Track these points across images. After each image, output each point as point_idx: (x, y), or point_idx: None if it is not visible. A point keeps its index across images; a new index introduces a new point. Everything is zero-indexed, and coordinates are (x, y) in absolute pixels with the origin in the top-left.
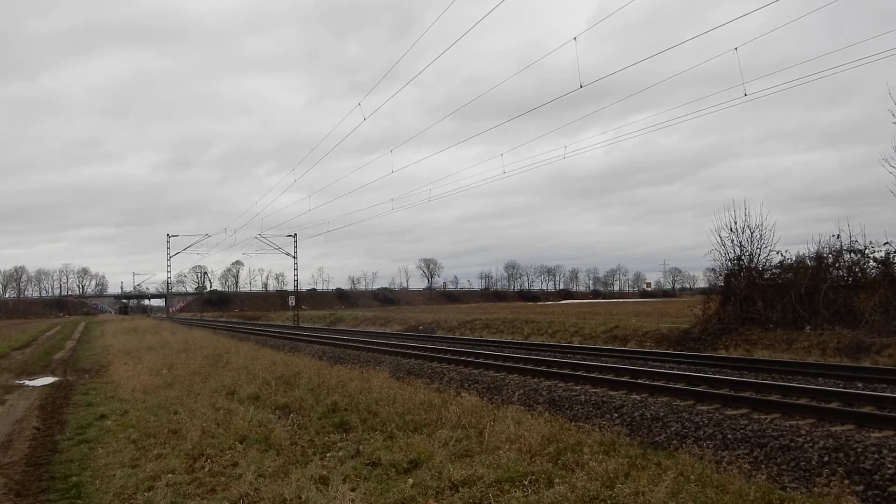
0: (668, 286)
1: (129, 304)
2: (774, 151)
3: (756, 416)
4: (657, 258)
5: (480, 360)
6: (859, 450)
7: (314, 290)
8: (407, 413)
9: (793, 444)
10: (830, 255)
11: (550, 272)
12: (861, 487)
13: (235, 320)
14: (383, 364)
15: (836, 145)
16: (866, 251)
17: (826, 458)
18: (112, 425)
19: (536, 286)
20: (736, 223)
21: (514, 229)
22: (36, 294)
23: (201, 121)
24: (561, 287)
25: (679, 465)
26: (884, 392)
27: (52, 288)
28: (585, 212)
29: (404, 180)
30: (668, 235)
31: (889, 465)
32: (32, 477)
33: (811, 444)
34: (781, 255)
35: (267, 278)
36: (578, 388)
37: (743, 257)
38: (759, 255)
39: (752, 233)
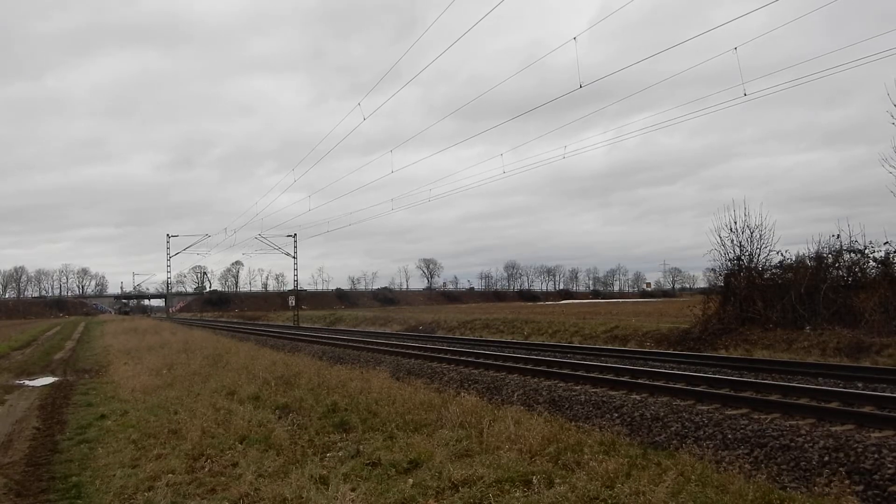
0: (668, 286)
1: (130, 304)
2: (775, 151)
3: (756, 416)
4: (657, 258)
5: (480, 360)
6: (859, 450)
7: (316, 290)
8: (407, 413)
9: (793, 443)
10: (830, 255)
11: (550, 272)
12: (861, 487)
13: (235, 320)
14: (383, 364)
15: (836, 145)
16: (866, 251)
17: (826, 458)
18: (112, 425)
19: (536, 286)
20: (736, 223)
21: (515, 229)
22: (36, 294)
23: (203, 121)
24: (561, 287)
25: (679, 465)
26: (884, 392)
27: (52, 288)
28: (586, 212)
29: (405, 180)
30: (668, 235)
31: (889, 465)
32: (32, 477)
33: (811, 444)
34: (781, 255)
35: (267, 278)
36: (578, 387)
37: (743, 257)
38: (758, 255)
39: (751, 233)
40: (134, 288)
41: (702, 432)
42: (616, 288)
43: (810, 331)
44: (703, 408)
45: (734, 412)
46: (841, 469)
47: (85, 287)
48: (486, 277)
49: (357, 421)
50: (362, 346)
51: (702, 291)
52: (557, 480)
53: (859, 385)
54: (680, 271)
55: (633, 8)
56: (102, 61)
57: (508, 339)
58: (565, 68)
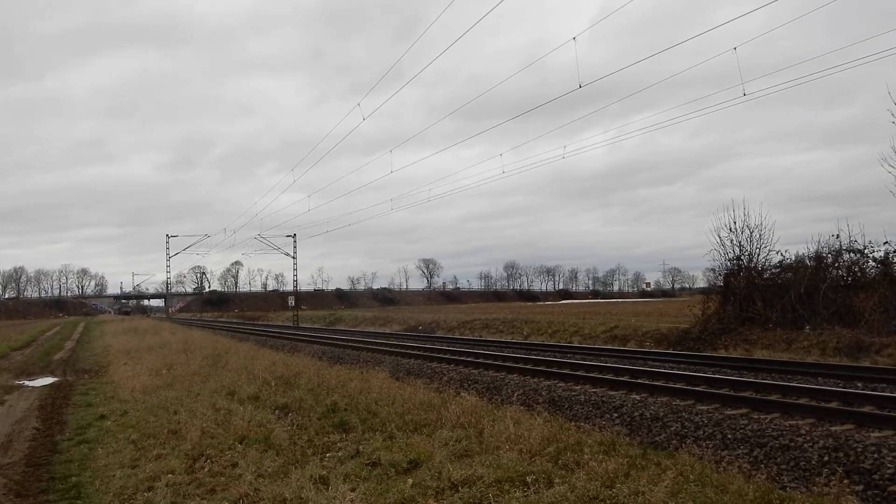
0: (668, 286)
1: (129, 304)
2: (775, 151)
3: (756, 416)
4: (657, 258)
5: (480, 360)
6: (859, 449)
7: (319, 290)
8: (406, 413)
9: (792, 443)
10: (830, 255)
11: (550, 272)
12: (861, 487)
13: (235, 320)
14: (383, 364)
15: (836, 145)
16: (865, 251)
17: (826, 458)
18: (112, 426)
19: (536, 286)
20: (735, 223)
21: (515, 229)
22: (35, 294)
23: (204, 121)
24: (560, 287)
25: (679, 464)
26: (883, 392)
27: (52, 288)
28: (586, 212)
29: (405, 180)
30: (668, 235)
31: (889, 465)
32: (32, 477)
33: (811, 444)
34: (781, 254)
35: (266, 278)
36: (578, 387)
37: (742, 257)
38: (758, 254)
39: (751, 233)
40: (133, 288)
41: (701, 432)
42: (616, 288)
43: (810, 331)
44: (703, 408)
45: (734, 412)
46: (840, 469)
47: (84, 287)
48: (486, 277)
49: (357, 421)
50: (362, 346)
51: (701, 291)
52: (557, 480)
53: (859, 385)
54: (679, 271)
55: (635, 8)
56: (103, 61)
57: (508, 339)
58: (566, 68)
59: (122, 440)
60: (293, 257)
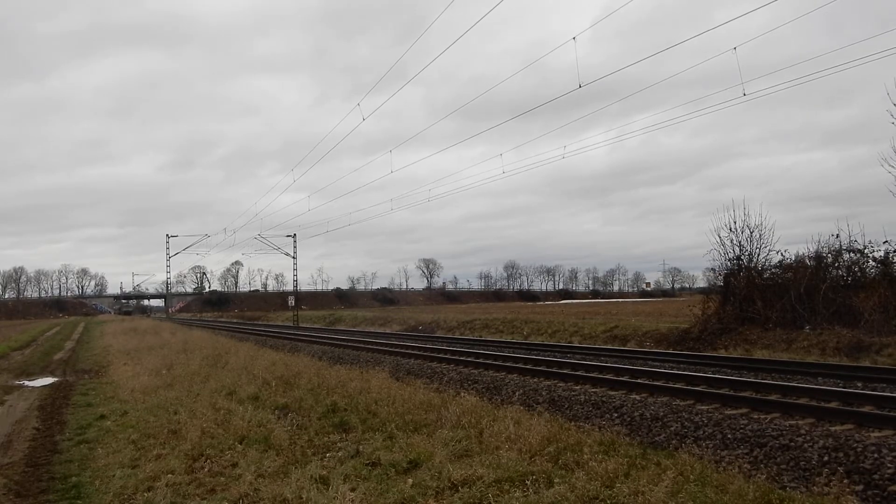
0: (668, 286)
1: (130, 304)
2: (775, 151)
3: (756, 416)
4: (657, 258)
5: (480, 360)
6: (859, 449)
7: (315, 290)
8: (407, 413)
9: (792, 443)
10: (830, 255)
11: (550, 272)
12: (861, 487)
13: (235, 320)
14: (383, 364)
15: (836, 145)
16: (865, 251)
17: (826, 458)
18: (112, 426)
19: (536, 286)
20: (735, 223)
21: (515, 229)
22: (35, 294)
23: (206, 122)
24: (560, 287)
25: (679, 464)
26: (883, 391)
27: (52, 288)
28: (586, 212)
29: (407, 180)
30: (668, 235)
31: (889, 465)
32: (32, 477)
33: (811, 444)
34: (781, 254)
35: (266, 278)
36: (578, 387)
37: (742, 257)
38: (758, 254)
39: (751, 232)
40: (134, 288)
41: (701, 432)
42: (616, 288)
43: (810, 330)
44: (703, 407)
45: (734, 412)
46: (840, 468)
47: (84, 287)
48: (486, 277)
49: (357, 421)
50: (362, 346)
51: (701, 291)
52: (557, 480)
53: (859, 385)
54: (679, 271)
55: (637, 8)
56: (105, 62)
57: (508, 339)
58: (568, 68)
59: (122, 440)
60: (293, 257)
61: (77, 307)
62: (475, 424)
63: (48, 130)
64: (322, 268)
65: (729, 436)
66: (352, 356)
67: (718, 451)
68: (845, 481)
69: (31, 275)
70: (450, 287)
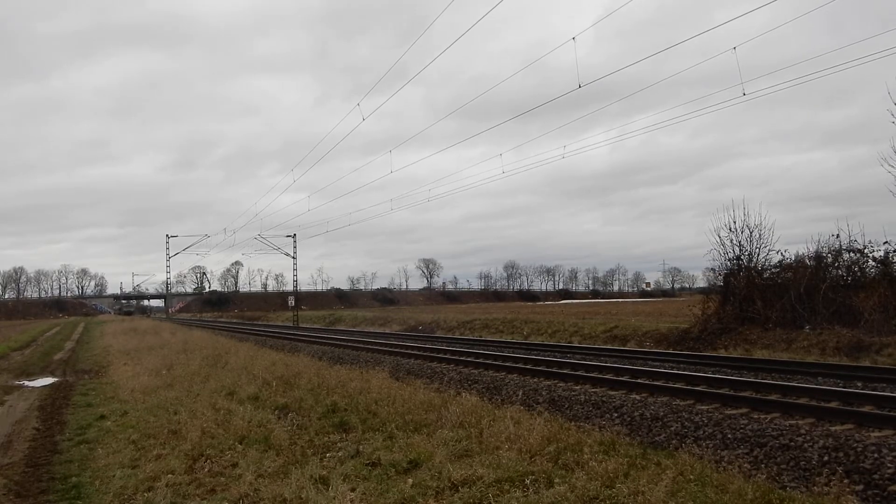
0: (668, 286)
1: (131, 304)
2: (776, 151)
3: (756, 416)
4: (657, 258)
5: (480, 360)
6: (859, 449)
7: (315, 290)
8: (407, 413)
9: (792, 443)
10: (830, 255)
11: (550, 272)
12: (861, 487)
13: (235, 321)
14: (383, 364)
15: (836, 145)
16: (865, 251)
17: (826, 458)
18: (112, 426)
19: (536, 286)
20: (735, 223)
21: (516, 229)
22: (35, 295)
23: (206, 122)
24: (560, 287)
25: (679, 464)
26: (883, 391)
27: (52, 289)
28: (587, 212)
29: (407, 180)
30: (668, 235)
31: (889, 465)
32: (32, 478)
33: (811, 444)
34: (781, 254)
35: (266, 279)
36: (578, 387)
37: (742, 257)
38: (758, 254)
39: (751, 232)
40: (133, 288)
41: (701, 432)
42: (615, 288)
43: (810, 330)
44: (703, 407)
45: (734, 412)
46: (840, 468)
47: (84, 287)
48: (486, 277)
49: (357, 421)
50: (362, 346)
51: (701, 291)
52: (557, 480)
53: (859, 384)
54: (679, 271)
55: (638, 9)
56: (107, 62)
57: (508, 339)
58: (569, 68)
59: (122, 440)
60: (293, 257)
61: (77, 307)
62: (475, 424)
63: (49, 130)
64: (322, 268)
65: (729, 436)
66: (352, 356)
67: (718, 450)
68: (845, 481)
69: (31, 275)
70: (450, 287)
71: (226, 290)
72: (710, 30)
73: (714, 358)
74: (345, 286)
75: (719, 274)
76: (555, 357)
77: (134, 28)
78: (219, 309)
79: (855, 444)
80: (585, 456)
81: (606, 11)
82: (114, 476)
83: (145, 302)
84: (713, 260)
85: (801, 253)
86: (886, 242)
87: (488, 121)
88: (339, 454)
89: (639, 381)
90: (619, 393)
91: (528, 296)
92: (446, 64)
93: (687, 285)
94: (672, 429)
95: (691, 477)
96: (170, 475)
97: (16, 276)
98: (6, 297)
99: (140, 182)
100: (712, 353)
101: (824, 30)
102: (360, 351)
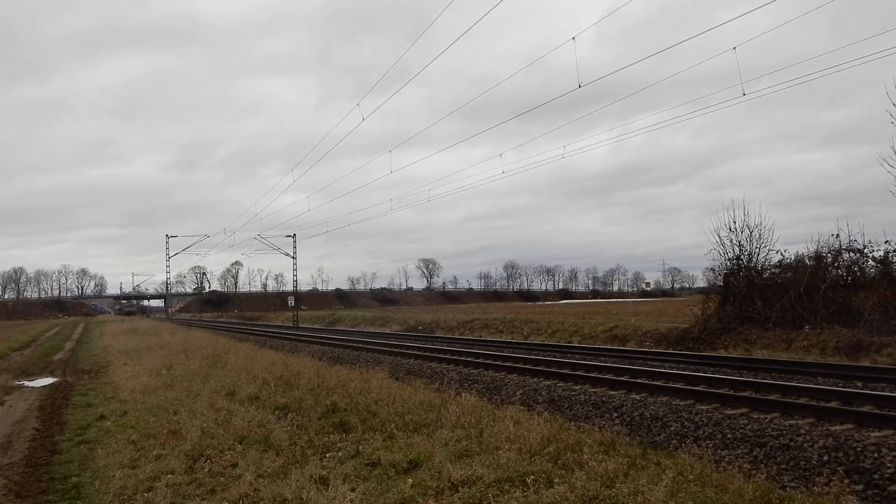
0: (668, 286)
1: (133, 304)
2: (777, 151)
3: (755, 416)
4: (657, 258)
5: (480, 360)
6: (859, 449)
7: (315, 290)
8: (406, 413)
9: (792, 443)
10: (829, 255)
11: (549, 272)
12: (861, 486)
13: (234, 321)
14: (383, 364)
15: (837, 145)
16: (865, 250)
17: (826, 458)
18: (111, 426)
19: (536, 286)
20: (735, 223)
21: (517, 229)
22: (35, 295)
23: (209, 122)
24: (560, 287)
25: (678, 464)
26: (883, 391)
27: (52, 289)
28: (588, 212)
29: (408, 180)
30: (668, 235)
31: (889, 465)
32: (32, 478)
33: (811, 444)
34: (781, 254)
35: (266, 279)
36: (578, 387)
37: (742, 257)
38: (758, 254)
39: (751, 232)
40: (133, 288)
41: (701, 432)
42: (615, 288)
43: (809, 330)
44: (703, 407)
45: (733, 412)
46: (840, 468)
47: (84, 288)
48: (486, 277)
49: (356, 421)
50: (361, 346)
51: (701, 291)
52: (557, 480)
53: (858, 384)
54: (679, 271)
55: (642, 9)
56: (111, 63)
57: (508, 339)
58: (572, 68)
59: (122, 440)
60: (293, 257)
61: (77, 307)
62: (475, 424)
63: (52, 131)
64: (322, 268)
65: (729, 435)
66: (352, 356)
67: (718, 450)
68: (845, 481)
69: (31, 275)
70: (449, 287)
71: (225, 290)
72: (711, 29)
73: (714, 358)
74: (345, 286)
75: (719, 274)
76: (554, 357)
77: (138, 29)
78: (218, 309)
79: (855, 444)
80: (585, 456)
81: (608, 12)
82: (114, 476)
83: (145, 302)
84: (713, 260)
85: (800, 253)
86: (886, 242)
87: (490, 121)
88: (339, 454)
89: (638, 380)
90: (618, 393)
91: (527, 296)
92: (450, 64)
93: (687, 285)
94: (672, 429)
95: (691, 477)
96: (170, 475)
97: (16, 277)
98: (6, 297)
99: (142, 182)
100: (712, 352)
101: (825, 30)
102: (360, 351)
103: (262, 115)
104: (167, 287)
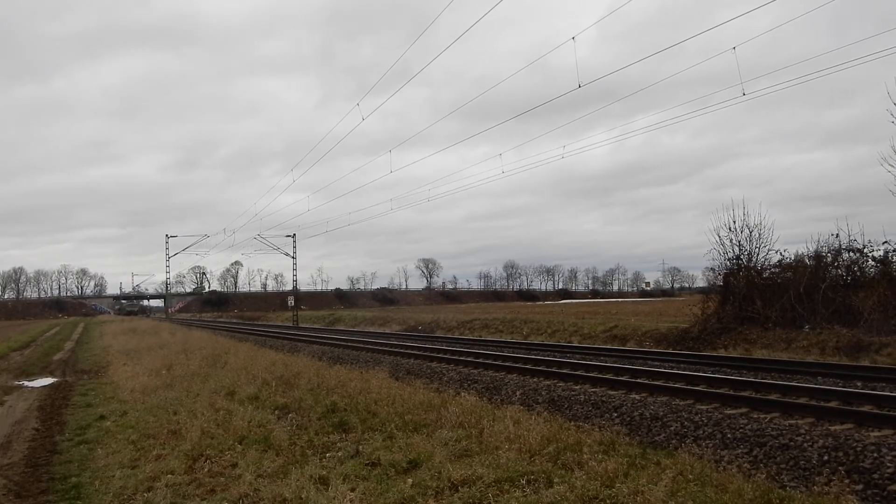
0: (667, 286)
1: (135, 304)
2: (777, 151)
3: (755, 416)
4: (657, 258)
5: (480, 360)
6: (858, 449)
7: (315, 290)
8: (406, 413)
9: (792, 443)
10: (829, 255)
11: (549, 272)
12: (860, 486)
13: (234, 321)
14: (382, 364)
15: (837, 145)
16: (865, 250)
17: (825, 457)
18: (111, 426)
19: (535, 286)
20: (735, 222)
21: (517, 229)
22: (35, 295)
23: (210, 122)
24: (560, 287)
25: (678, 464)
26: (883, 391)
27: (51, 289)
28: (588, 211)
29: (409, 181)
30: (668, 235)
31: (888, 464)
32: (32, 478)
33: (810, 443)
34: (780, 254)
35: (266, 279)
36: (578, 387)
37: (742, 256)
38: (757, 254)
39: (750, 232)
40: (133, 288)
41: (701, 432)
42: (615, 287)
43: (809, 330)
44: (703, 407)
45: (733, 411)
46: (840, 468)
47: (84, 288)
48: (486, 277)
49: (356, 421)
50: (361, 346)
51: (701, 291)
52: (557, 480)
53: (858, 384)
54: (679, 271)
55: (642, 9)
56: (111, 63)
57: (507, 338)
58: (572, 69)
59: (122, 441)
60: (293, 257)
61: (76, 307)
62: (475, 424)
63: (53, 131)
64: (322, 268)
65: (729, 435)
66: (351, 356)
67: (718, 450)
68: (845, 481)
69: (31, 275)
70: (449, 287)
71: (225, 290)
72: (711, 29)
73: (714, 358)
74: (345, 286)
75: (719, 274)
76: (554, 357)
77: (138, 29)
78: (218, 309)
79: (854, 444)
80: (585, 456)
81: (608, 11)
82: (113, 476)
83: (144, 302)
84: (713, 260)
85: (800, 253)
86: (886, 242)
87: (490, 121)
88: (339, 454)
89: (638, 380)
90: (618, 393)
91: (527, 296)
92: (451, 64)
93: (686, 285)
94: (672, 428)
95: (691, 477)
96: (169, 475)
97: (15, 277)
98: (6, 297)
99: (143, 182)
100: (712, 352)
101: (825, 30)
102: (360, 351)
103: (262, 115)
104: (167, 287)
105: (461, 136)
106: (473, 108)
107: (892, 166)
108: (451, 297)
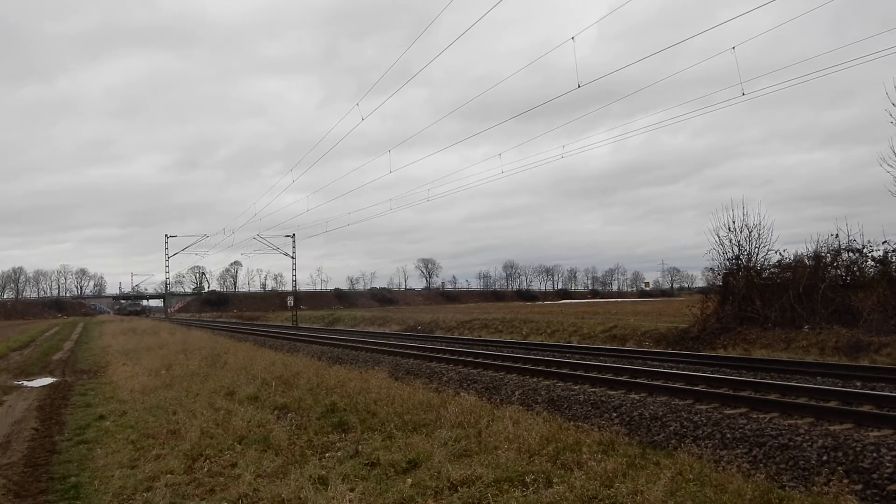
0: (667, 286)
1: (137, 304)
2: (777, 151)
3: (755, 416)
4: (657, 258)
5: (479, 360)
6: (858, 448)
7: (314, 290)
8: (406, 413)
9: (791, 443)
10: (829, 255)
11: (549, 272)
12: (860, 486)
13: (234, 321)
14: (382, 364)
15: (837, 145)
16: (864, 250)
17: (825, 457)
18: (111, 426)
19: (535, 286)
20: (734, 222)
21: (517, 229)
22: (34, 295)
23: (211, 123)
24: (559, 287)
25: (678, 464)
26: (882, 391)
27: (51, 289)
28: (588, 211)
29: (409, 180)
30: (668, 235)
31: (888, 464)
32: (31, 478)
33: (810, 443)
34: (780, 254)
35: (265, 279)
36: (577, 387)
37: (741, 256)
38: (757, 254)
39: (750, 232)
40: (133, 288)
41: (700, 431)
42: (615, 288)
43: (809, 330)
44: (702, 407)
45: (733, 411)
46: (839, 468)
47: (83, 287)
48: (485, 277)
49: (356, 421)
50: (361, 346)
51: (700, 291)
52: (556, 480)
53: (858, 384)
54: (679, 271)
55: (642, 9)
56: (114, 63)
57: (507, 338)
58: (573, 68)
59: (121, 440)
60: (292, 257)
61: (76, 307)
62: (474, 424)
63: (54, 131)
64: (321, 268)
65: (728, 435)
66: (351, 356)
67: (717, 450)
68: (844, 481)
69: (30, 275)
70: (449, 287)
71: (225, 290)
72: (711, 29)
73: (713, 358)
74: (344, 286)
75: (718, 274)
76: (554, 357)
77: (141, 29)
78: (218, 309)
79: (854, 444)
80: (584, 456)
81: (609, 11)
82: (113, 476)
83: (144, 302)
84: (712, 260)
85: (800, 253)
86: (885, 242)
87: (490, 121)
88: (338, 454)
89: (638, 380)
90: (617, 393)
91: (527, 296)
92: (452, 64)
93: (686, 285)
94: (671, 428)
95: (690, 476)
96: (169, 475)
97: (15, 276)
98: (5, 297)
99: (143, 182)
100: (711, 352)
101: (825, 30)
102: (359, 351)
103: (263, 115)
104: (166, 287)
105: (461, 136)
106: (473, 108)
107: (892, 166)
108: (451, 297)
